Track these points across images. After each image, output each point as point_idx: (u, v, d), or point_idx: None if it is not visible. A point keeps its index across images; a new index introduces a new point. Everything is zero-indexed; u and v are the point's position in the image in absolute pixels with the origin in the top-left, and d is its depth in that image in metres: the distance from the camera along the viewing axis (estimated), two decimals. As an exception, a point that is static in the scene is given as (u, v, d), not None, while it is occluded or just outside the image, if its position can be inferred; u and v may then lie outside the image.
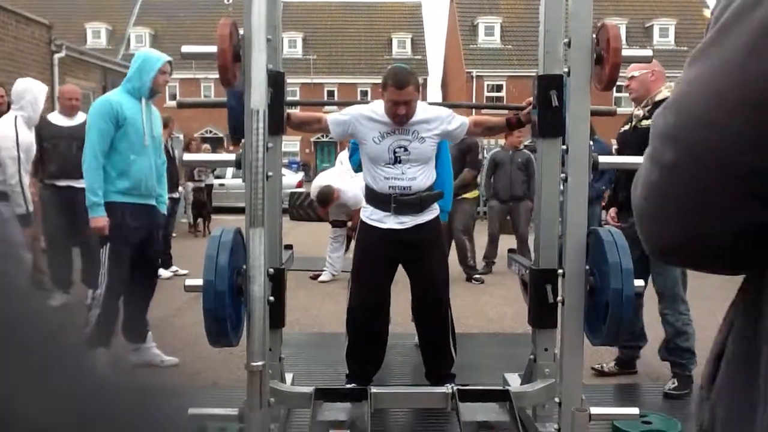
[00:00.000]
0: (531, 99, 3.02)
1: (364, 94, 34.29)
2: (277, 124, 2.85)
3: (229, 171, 14.54)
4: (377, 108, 3.24)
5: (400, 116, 3.14)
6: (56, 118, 5.36)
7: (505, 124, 3.30)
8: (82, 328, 3.34)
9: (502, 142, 7.84)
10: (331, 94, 35.07)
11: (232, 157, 2.71)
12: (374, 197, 3.31)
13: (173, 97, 31.43)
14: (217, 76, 2.57)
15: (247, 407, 2.48)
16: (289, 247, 3.40)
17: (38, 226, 5.21)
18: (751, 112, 0.58)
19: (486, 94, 32.35)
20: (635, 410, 2.85)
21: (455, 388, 2.94)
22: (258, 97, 2.34)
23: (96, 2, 35.62)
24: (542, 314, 2.91)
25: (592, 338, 2.67)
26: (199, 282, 2.41)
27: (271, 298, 2.56)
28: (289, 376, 3.29)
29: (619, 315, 2.46)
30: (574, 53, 2.55)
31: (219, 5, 35.70)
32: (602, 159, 2.72)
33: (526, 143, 7.81)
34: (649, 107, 3.70)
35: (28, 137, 4.63)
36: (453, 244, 6.73)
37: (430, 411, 3.32)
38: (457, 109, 3.58)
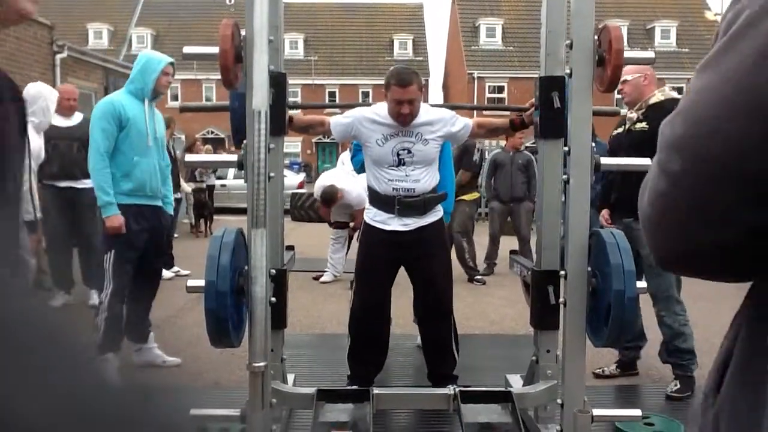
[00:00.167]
0: (533, 100, 3.02)
1: (366, 95, 34.30)
2: (279, 125, 2.86)
3: (231, 172, 14.54)
4: (380, 110, 3.24)
5: (404, 116, 3.14)
6: (55, 119, 5.36)
7: (508, 126, 3.29)
8: (89, 331, 3.34)
9: (503, 143, 7.84)
10: (332, 95, 35.08)
11: (233, 157, 2.71)
12: (378, 199, 3.31)
13: (175, 97, 31.47)
14: (219, 77, 2.57)
15: (249, 408, 2.48)
16: (290, 248, 3.40)
17: (39, 226, 5.22)
18: (758, 118, 0.58)
19: (487, 95, 32.34)
20: (637, 412, 2.85)
21: (457, 389, 2.94)
22: (260, 98, 2.34)
23: (98, 3, 35.67)
24: (544, 315, 2.91)
25: (594, 340, 2.67)
26: (201, 283, 2.41)
27: (273, 299, 2.56)
28: (290, 377, 3.29)
29: (621, 317, 2.45)
30: (576, 55, 2.55)
31: (221, 6, 35.79)
32: (604, 161, 2.72)
33: (528, 144, 7.81)
34: (642, 110, 3.73)
35: (38, 143, 4.65)
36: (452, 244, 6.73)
37: (432, 412, 3.31)
38: (460, 111, 3.58)
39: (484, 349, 4.52)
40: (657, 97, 3.74)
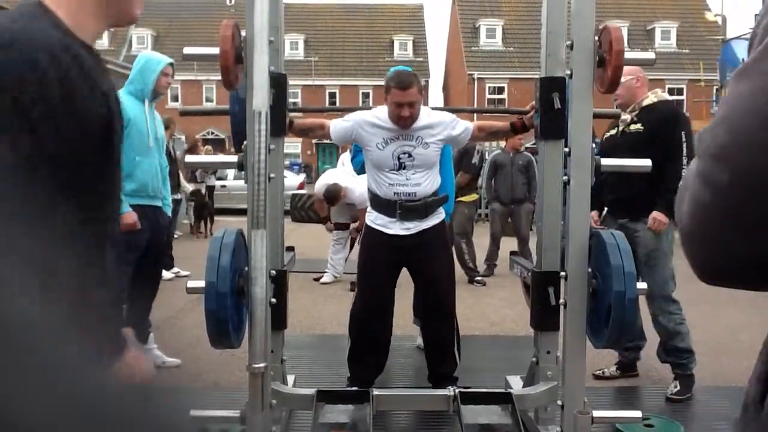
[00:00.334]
0: (534, 103, 3.02)
1: (366, 95, 34.33)
2: (279, 126, 2.85)
3: (231, 172, 14.54)
4: (380, 114, 3.24)
5: (404, 118, 3.14)
6: None
7: (509, 129, 3.29)
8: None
9: (503, 144, 7.84)
10: (332, 95, 35.09)
11: (234, 158, 2.71)
12: (379, 203, 3.31)
13: (175, 98, 31.50)
14: (219, 77, 2.57)
15: (249, 409, 2.48)
16: (290, 248, 3.40)
17: None
18: None
19: (487, 96, 32.37)
20: (638, 413, 2.85)
21: (457, 390, 2.94)
22: (260, 98, 2.34)
23: (98, 4, 35.65)
24: (544, 317, 2.91)
25: (595, 341, 2.67)
26: (201, 284, 2.40)
27: (273, 300, 2.56)
28: (290, 378, 3.29)
29: (621, 318, 2.45)
30: (577, 55, 2.55)
31: (221, 7, 35.81)
32: (605, 162, 2.73)
33: (528, 145, 7.82)
34: (636, 112, 3.76)
35: None
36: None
37: (432, 413, 3.31)
38: (460, 114, 3.58)
39: (484, 351, 4.52)
40: (650, 99, 3.78)
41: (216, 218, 10.93)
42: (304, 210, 8.88)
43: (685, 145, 3.62)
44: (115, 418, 0.33)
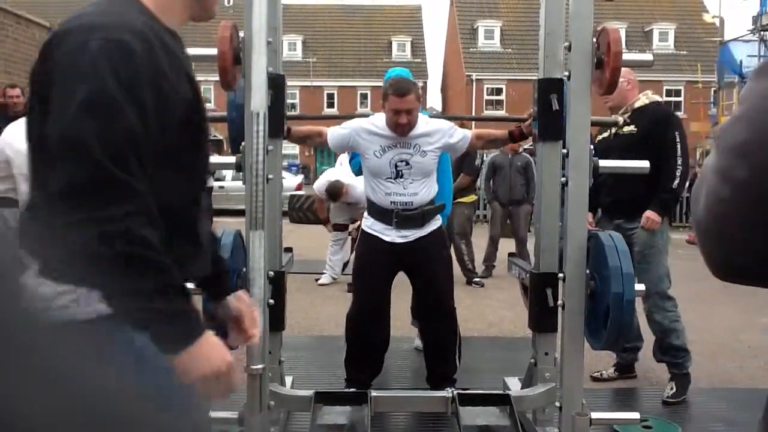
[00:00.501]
0: (532, 111, 3.01)
1: (364, 96, 34.31)
2: (277, 127, 2.85)
3: (229, 173, 14.54)
4: (378, 121, 3.24)
5: (402, 126, 3.14)
6: None
7: (507, 137, 3.29)
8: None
9: (501, 145, 7.85)
10: (330, 96, 35.08)
11: (232, 159, 2.71)
12: (375, 210, 3.31)
13: (173, 99, 31.43)
14: (217, 78, 2.57)
15: (247, 410, 2.47)
16: (288, 249, 3.40)
17: None
18: None
19: (485, 97, 32.40)
20: (635, 415, 2.85)
21: (455, 391, 2.94)
22: (258, 99, 2.34)
23: (96, 4, 35.67)
24: (542, 318, 2.91)
25: (593, 342, 2.67)
26: (199, 285, 2.40)
27: (271, 301, 2.56)
28: (288, 379, 3.28)
29: (619, 319, 2.45)
30: (575, 57, 2.55)
31: (219, 7, 35.73)
32: (602, 163, 2.73)
33: (526, 147, 7.83)
34: (628, 114, 3.77)
35: None
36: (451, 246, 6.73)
37: (430, 415, 3.31)
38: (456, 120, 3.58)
39: (482, 352, 4.51)
40: (642, 101, 3.80)
41: (214, 219, 10.92)
42: (302, 211, 8.88)
43: (679, 146, 3.63)
44: (114, 418, 0.33)
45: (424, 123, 3.25)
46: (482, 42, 33.91)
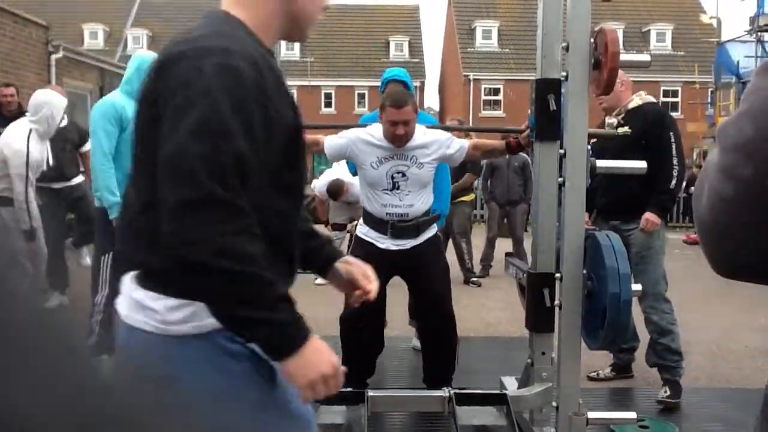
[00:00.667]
0: (529, 123, 3.01)
1: (362, 96, 34.29)
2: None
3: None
4: (375, 132, 3.24)
5: (399, 137, 3.14)
6: None
7: (504, 147, 3.28)
8: (84, 334, 3.33)
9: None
10: (328, 96, 35.06)
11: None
12: (371, 219, 3.32)
13: (170, 98, 31.37)
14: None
15: (244, 410, 2.47)
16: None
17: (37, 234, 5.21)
18: None
19: (483, 97, 32.40)
20: (632, 414, 2.85)
21: (452, 391, 2.93)
22: (256, 99, 2.33)
23: (93, 3, 35.59)
24: (539, 318, 2.91)
25: (590, 342, 2.67)
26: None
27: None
28: (285, 379, 3.28)
29: (616, 319, 2.46)
30: (572, 57, 2.56)
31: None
32: (599, 163, 2.73)
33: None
34: (622, 115, 3.79)
35: (40, 152, 4.60)
36: (450, 245, 6.73)
37: (427, 414, 3.31)
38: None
39: (479, 352, 4.52)
40: (635, 101, 3.82)
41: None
42: (300, 211, 8.88)
43: (674, 146, 3.64)
44: (116, 417, 0.33)
45: (421, 134, 3.25)
46: (480, 42, 33.91)
